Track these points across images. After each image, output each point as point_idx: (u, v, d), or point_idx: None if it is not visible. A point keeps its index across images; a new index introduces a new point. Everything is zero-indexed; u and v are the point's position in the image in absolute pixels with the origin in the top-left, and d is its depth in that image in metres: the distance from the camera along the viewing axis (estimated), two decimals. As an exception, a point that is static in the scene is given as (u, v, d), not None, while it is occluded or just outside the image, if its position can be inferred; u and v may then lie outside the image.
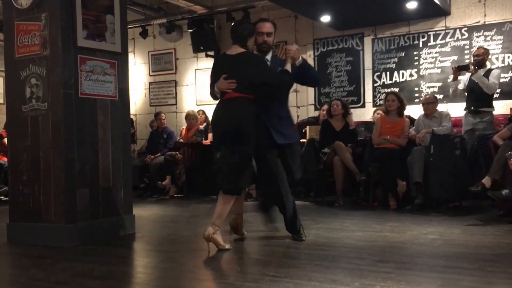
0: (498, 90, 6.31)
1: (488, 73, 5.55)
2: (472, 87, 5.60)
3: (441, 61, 6.76)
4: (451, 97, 6.04)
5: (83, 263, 3.16)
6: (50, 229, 3.71)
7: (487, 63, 5.85)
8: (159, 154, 7.17)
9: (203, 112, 7.69)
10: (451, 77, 5.92)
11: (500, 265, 2.84)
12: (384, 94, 6.88)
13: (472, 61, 5.71)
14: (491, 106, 5.61)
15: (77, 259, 3.28)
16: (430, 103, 5.51)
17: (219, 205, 3.37)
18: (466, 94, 5.73)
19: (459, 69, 5.70)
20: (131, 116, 7.47)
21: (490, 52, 6.25)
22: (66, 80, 3.70)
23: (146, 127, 8.66)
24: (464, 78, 5.74)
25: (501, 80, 6.28)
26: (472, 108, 5.61)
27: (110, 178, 3.97)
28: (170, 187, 7.00)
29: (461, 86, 5.72)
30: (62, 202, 3.68)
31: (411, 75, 6.98)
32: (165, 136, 7.38)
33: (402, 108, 5.56)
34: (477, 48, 5.89)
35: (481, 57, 5.61)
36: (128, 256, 3.54)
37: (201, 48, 8.10)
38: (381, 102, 6.83)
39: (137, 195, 6.73)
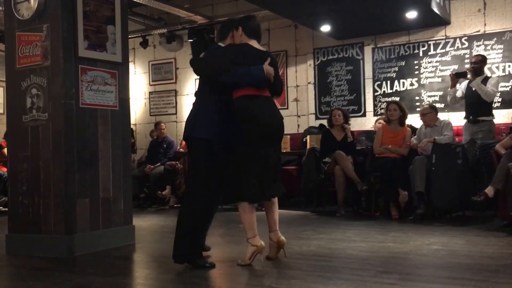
0: (499, 99, 6.31)
1: (485, 81, 5.52)
2: (470, 95, 5.57)
3: (441, 70, 6.76)
4: (450, 105, 6.03)
5: (82, 274, 3.12)
6: (50, 240, 3.68)
7: (486, 71, 5.84)
8: (159, 164, 7.15)
9: None
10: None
11: (504, 276, 2.81)
12: (384, 103, 6.88)
13: (469, 68, 5.69)
14: (491, 115, 5.56)
15: (76, 270, 3.25)
16: (426, 114, 5.48)
17: (276, 212, 3.18)
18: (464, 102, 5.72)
19: (457, 76, 5.70)
20: (131, 126, 7.46)
21: (491, 61, 6.26)
22: (67, 90, 3.69)
23: (146, 137, 8.65)
24: (462, 86, 5.73)
25: (502, 89, 6.29)
26: (471, 117, 5.58)
27: (110, 189, 3.95)
28: (170, 197, 6.97)
29: (459, 94, 5.71)
30: (62, 213, 3.65)
31: (411, 84, 6.98)
32: (165, 145, 7.37)
33: (403, 117, 5.55)
34: (475, 56, 5.89)
35: (479, 65, 5.60)
36: (127, 267, 3.51)
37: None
38: (382, 111, 6.83)
39: (137, 205, 6.70)
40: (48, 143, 3.71)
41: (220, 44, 3.35)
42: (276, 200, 3.25)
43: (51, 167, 3.70)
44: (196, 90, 3.40)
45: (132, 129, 7.86)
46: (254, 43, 3.27)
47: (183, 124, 3.07)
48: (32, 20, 3.78)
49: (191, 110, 3.32)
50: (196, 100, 3.33)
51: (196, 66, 3.30)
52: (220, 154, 3.14)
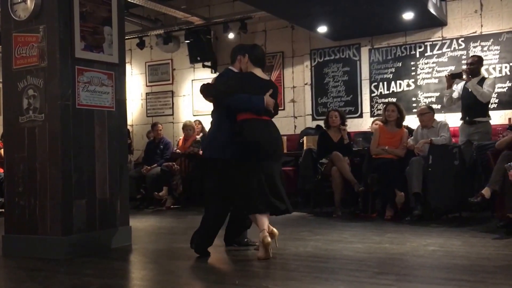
0: (496, 100, 6.33)
1: (482, 81, 5.52)
2: (466, 96, 5.57)
3: (438, 71, 6.78)
4: (446, 106, 6.04)
5: (79, 276, 3.11)
6: (46, 241, 3.66)
7: (483, 72, 5.86)
8: (155, 165, 7.13)
9: (200, 122, 7.68)
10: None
11: (502, 277, 2.82)
12: (381, 104, 6.90)
13: (465, 69, 5.71)
14: (487, 116, 5.56)
15: (73, 271, 3.24)
16: (423, 114, 5.49)
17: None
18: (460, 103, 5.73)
19: (453, 77, 5.71)
20: (128, 127, 7.44)
21: (487, 62, 6.28)
22: (64, 91, 3.68)
23: (143, 138, 8.64)
24: (459, 87, 5.74)
25: (499, 90, 6.31)
26: (467, 118, 5.59)
27: (107, 190, 3.94)
28: (166, 198, 6.96)
29: (455, 95, 5.72)
30: (59, 214, 3.64)
31: (408, 85, 6.99)
32: (161, 146, 7.36)
33: (401, 119, 5.56)
34: (471, 56, 5.90)
35: (475, 65, 5.60)
36: (124, 268, 3.50)
37: (198, 58, 8.12)
38: (379, 112, 6.84)
39: (134, 206, 6.69)
40: (45, 144, 3.70)
41: (231, 67, 3.75)
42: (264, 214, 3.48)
43: (47, 168, 3.68)
44: (212, 110, 3.79)
45: (128, 130, 7.85)
46: (258, 71, 3.63)
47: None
48: (28, 21, 3.77)
49: (209, 129, 3.87)
50: (212, 120, 3.76)
51: (205, 90, 3.81)
52: (227, 170, 3.54)
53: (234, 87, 3.52)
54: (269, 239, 3.34)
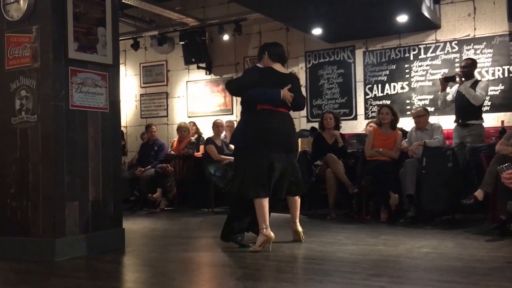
0: (489, 103, 6.36)
1: (475, 84, 5.55)
2: (459, 98, 5.60)
3: (432, 74, 6.81)
4: (440, 109, 6.06)
5: (71, 278, 3.09)
6: (38, 244, 3.63)
7: (476, 75, 5.89)
8: (149, 166, 7.10)
9: (194, 124, 7.66)
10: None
11: (494, 278, 2.83)
12: (376, 107, 6.91)
13: (458, 72, 5.73)
14: (480, 119, 5.59)
15: (65, 274, 3.22)
16: (420, 116, 5.51)
17: (296, 208, 4.03)
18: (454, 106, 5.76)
19: (446, 80, 5.73)
20: (122, 128, 7.42)
21: (480, 65, 6.31)
22: (57, 92, 3.65)
23: (137, 139, 8.61)
24: (453, 90, 5.77)
25: (492, 93, 6.34)
26: (460, 121, 5.62)
27: (100, 191, 3.91)
28: (160, 200, 6.93)
29: (449, 98, 5.74)
30: (51, 216, 3.61)
31: (402, 88, 7.02)
32: (156, 148, 7.32)
33: (395, 121, 5.58)
34: (464, 59, 5.93)
35: (468, 68, 5.63)
36: (117, 271, 3.47)
37: (193, 60, 8.11)
38: (373, 114, 6.86)
39: (127, 208, 6.66)
40: (37, 145, 3.68)
41: (258, 64, 4.07)
42: (296, 198, 4.06)
43: (40, 169, 3.66)
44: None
45: (122, 131, 7.82)
46: (277, 66, 3.98)
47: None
48: (21, 21, 3.74)
49: (238, 122, 4.25)
50: (240, 114, 4.21)
51: (228, 84, 4.15)
52: (239, 156, 3.93)
53: (253, 81, 3.85)
54: (273, 235, 3.68)
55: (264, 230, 3.67)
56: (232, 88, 4.09)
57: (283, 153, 3.83)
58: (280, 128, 3.83)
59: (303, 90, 7.59)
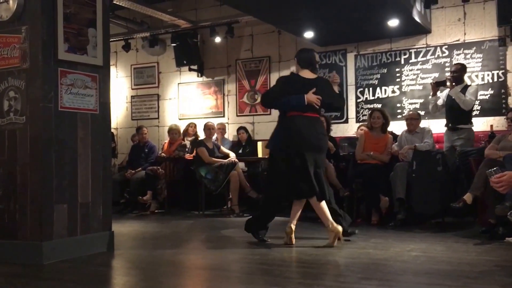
0: (478, 107, 6.41)
1: (465, 89, 5.60)
2: (450, 103, 5.65)
3: (422, 78, 6.85)
4: (431, 113, 6.10)
5: (60, 282, 3.06)
6: (26, 247, 3.59)
7: (466, 79, 5.93)
8: (140, 168, 7.06)
9: (195, 125, 7.61)
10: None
11: (483, 282, 2.84)
12: (367, 110, 6.94)
13: (448, 76, 5.78)
14: (469, 123, 5.64)
15: (53, 277, 3.18)
16: (413, 119, 5.56)
17: (322, 210, 4.08)
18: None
19: (437, 85, 5.77)
20: (112, 130, 7.38)
21: (470, 70, 6.36)
22: (46, 94, 3.62)
23: (127, 141, 8.56)
24: (443, 94, 5.81)
25: (481, 97, 6.40)
26: (450, 125, 5.67)
27: (89, 194, 3.88)
28: (151, 202, 6.89)
29: (440, 102, 5.79)
30: (39, 219, 3.57)
31: (393, 92, 7.05)
32: (146, 150, 7.29)
33: (386, 124, 5.61)
34: (454, 64, 5.98)
35: (458, 73, 5.68)
36: (106, 274, 3.44)
37: (184, 62, 8.09)
38: (364, 117, 6.88)
39: (117, 210, 6.61)
40: (26, 147, 3.64)
41: (293, 71, 4.32)
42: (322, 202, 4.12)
43: (28, 171, 3.62)
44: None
45: (112, 133, 7.77)
46: (305, 72, 4.14)
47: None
48: (10, 21, 3.70)
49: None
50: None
51: (261, 100, 4.47)
52: (272, 160, 4.18)
53: (277, 91, 4.12)
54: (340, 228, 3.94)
55: (331, 225, 3.91)
56: (263, 103, 4.42)
57: (313, 154, 4.00)
58: (312, 132, 4.00)
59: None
